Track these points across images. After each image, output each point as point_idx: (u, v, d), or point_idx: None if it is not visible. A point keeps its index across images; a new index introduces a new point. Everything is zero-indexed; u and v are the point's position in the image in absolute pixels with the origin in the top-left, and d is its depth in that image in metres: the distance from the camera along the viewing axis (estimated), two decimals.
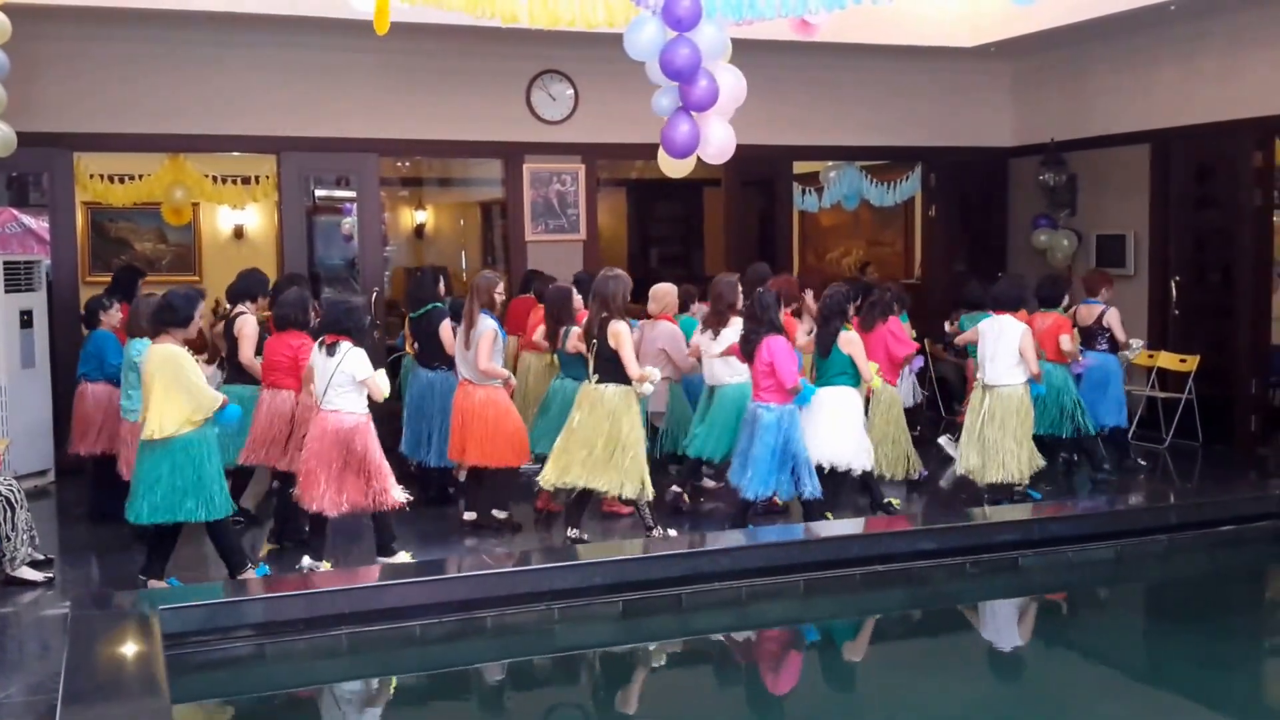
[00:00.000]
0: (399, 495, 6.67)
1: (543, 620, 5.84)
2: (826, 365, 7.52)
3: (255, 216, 13.81)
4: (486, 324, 7.55)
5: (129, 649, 4.93)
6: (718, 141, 6.88)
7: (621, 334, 7.05)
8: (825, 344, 7.52)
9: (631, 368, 7.04)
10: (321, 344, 6.71)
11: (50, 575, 6.78)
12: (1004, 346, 7.76)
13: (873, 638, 6.50)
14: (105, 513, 7.93)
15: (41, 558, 6.89)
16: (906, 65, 11.53)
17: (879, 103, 11.78)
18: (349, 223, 13.58)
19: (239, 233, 13.88)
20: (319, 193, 13.31)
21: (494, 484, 7.76)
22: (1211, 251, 10.15)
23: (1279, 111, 9.44)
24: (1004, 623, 6.65)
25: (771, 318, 7.18)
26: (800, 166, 12.44)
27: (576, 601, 5.90)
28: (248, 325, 7.67)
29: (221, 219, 13.82)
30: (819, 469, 7.25)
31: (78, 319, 9.74)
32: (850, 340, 7.47)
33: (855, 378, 7.49)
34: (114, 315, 8.06)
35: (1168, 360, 10.04)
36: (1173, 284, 9.01)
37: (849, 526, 7.17)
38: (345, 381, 6.58)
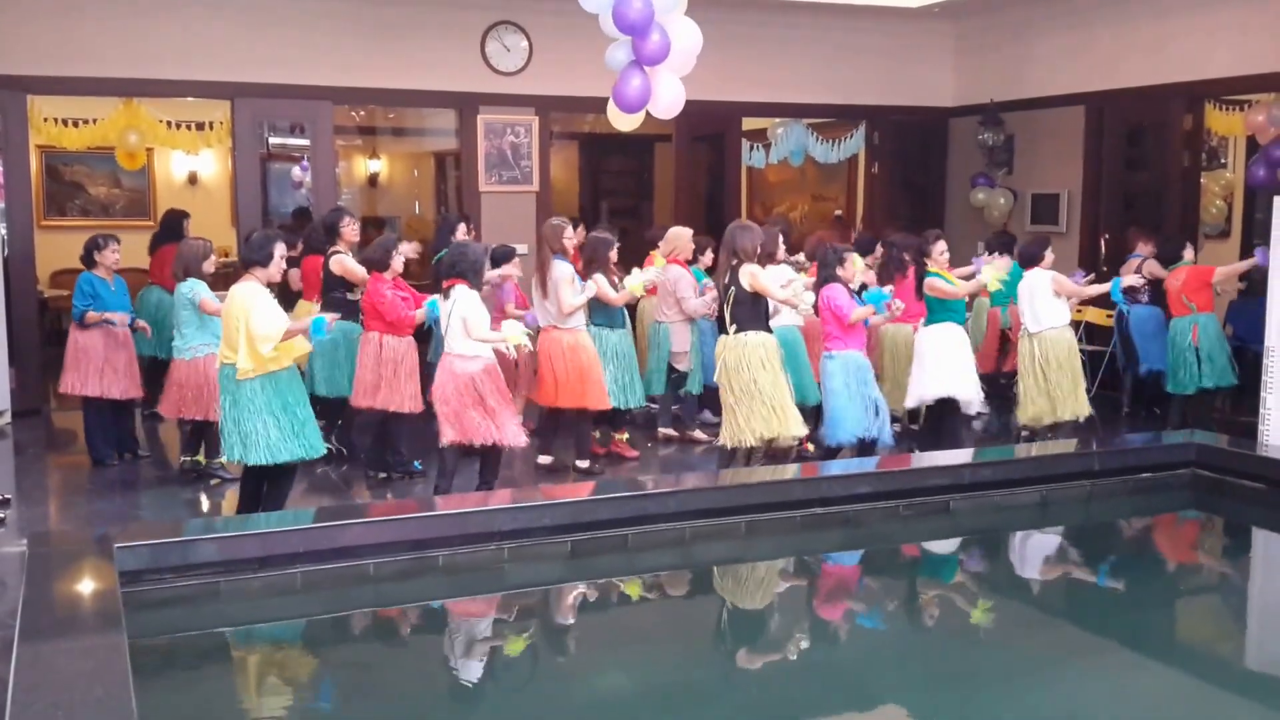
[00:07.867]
0: (515, 438, 6.88)
1: (493, 559, 6.04)
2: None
3: (210, 163, 13.81)
4: (564, 269, 7.72)
5: (85, 586, 5.06)
6: (667, 97, 7.04)
7: (758, 275, 7.31)
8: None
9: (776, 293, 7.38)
10: (444, 289, 6.88)
11: (5, 514, 6.89)
12: (1038, 296, 8.55)
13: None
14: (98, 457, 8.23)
15: None
16: (853, 24, 11.74)
17: (826, 61, 12.00)
18: (301, 170, 13.62)
19: (193, 179, 13.89)
20: (273, 140, 13.36)
21: (579, 433, 8.00)
22: (1141, 211, 10.50)
23: (1208, 77, 9.79)
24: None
25: None
26: (749, 123, 12.65)
27: (526, 541, 6.11)
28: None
29: (176, 165, 13.82)
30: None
31: (32, 262, 9.81)
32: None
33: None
34: (108, 256, 8.11)
35: (1094, 315, 10.42)
36: (1102, 241, 9.36)
37: (789, 471, 7.44)
38: (459, 326, 6.70)
